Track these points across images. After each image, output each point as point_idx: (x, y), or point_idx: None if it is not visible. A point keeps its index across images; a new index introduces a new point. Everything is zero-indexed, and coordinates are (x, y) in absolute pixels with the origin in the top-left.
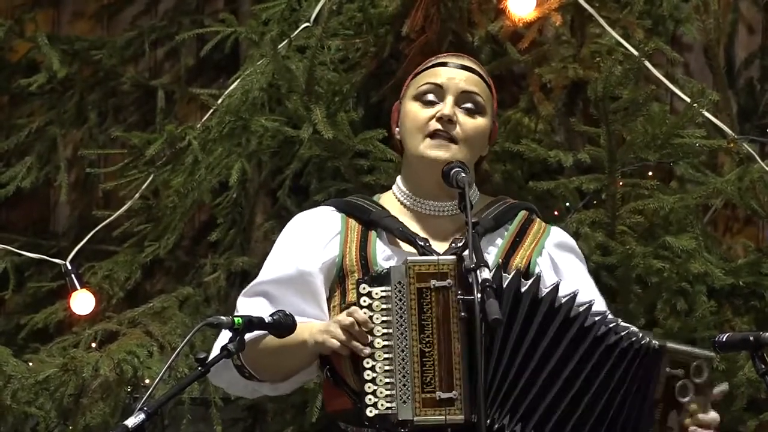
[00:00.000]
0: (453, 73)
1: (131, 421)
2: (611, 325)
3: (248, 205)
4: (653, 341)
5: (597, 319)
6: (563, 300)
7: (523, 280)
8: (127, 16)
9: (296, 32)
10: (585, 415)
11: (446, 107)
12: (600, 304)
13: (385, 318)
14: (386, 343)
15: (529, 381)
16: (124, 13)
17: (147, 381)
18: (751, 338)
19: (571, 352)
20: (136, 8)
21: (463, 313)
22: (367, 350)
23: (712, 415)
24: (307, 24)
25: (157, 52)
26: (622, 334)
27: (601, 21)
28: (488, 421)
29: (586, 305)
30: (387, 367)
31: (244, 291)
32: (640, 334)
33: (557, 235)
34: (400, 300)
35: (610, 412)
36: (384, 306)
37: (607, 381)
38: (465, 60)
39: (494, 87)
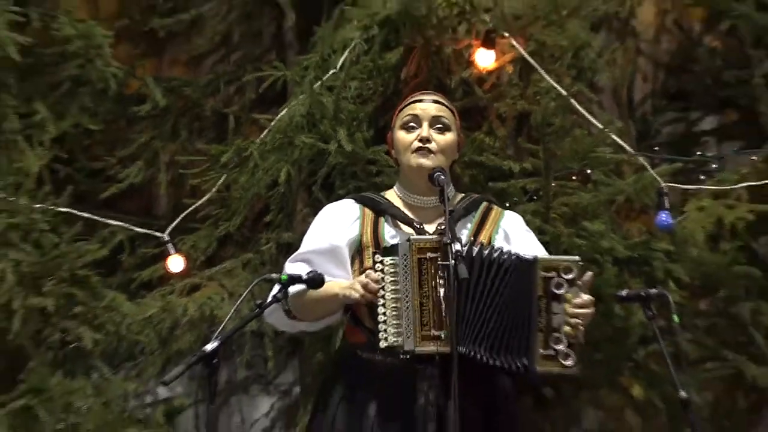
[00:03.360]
0: (425, 106)
1: (209, 347)
2: (510, 255)
3: (291, 197)
4: (529, 257)
5: (507, 258)
6: (504, 258)
7: (483, 250)
8: (209, 63)
9: (326, 76)
10: (499, 313)
11: (424, 131)
12: (542, 252)
13: (392, 279)
14: (394, 296)
15: (489, 315)
16: (206, 61)
17: (220, 319)
18: (642, 293)
19: (503, 285)
20: (214, 57)
21: (443, 275)
22: (380, 300)
23: (585, 297)
24: (334, 70)
25: (229, 88)
26: (512, 257)
27: (541, 71)
28: (464, 350)
29: (507, 251)
30: (395, 313)
31: (290, 258)
32: (523, 256)
33: (509, 216)
34: (405, 266)
35: (510, 306)
36: (392, 270)
37: (507, 289)
38: (432, 95)
39: (457, 112)
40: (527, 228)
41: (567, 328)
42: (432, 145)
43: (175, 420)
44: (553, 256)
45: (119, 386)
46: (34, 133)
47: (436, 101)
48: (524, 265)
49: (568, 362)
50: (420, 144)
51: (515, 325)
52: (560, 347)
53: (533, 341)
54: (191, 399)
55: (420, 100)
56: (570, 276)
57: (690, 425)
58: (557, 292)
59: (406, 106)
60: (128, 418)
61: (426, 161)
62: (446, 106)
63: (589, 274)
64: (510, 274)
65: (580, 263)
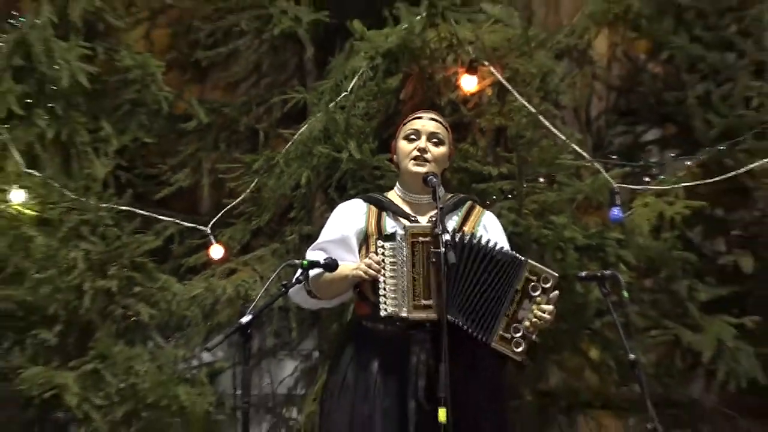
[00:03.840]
0: (424, 122)
1: (244, 320)
2: (504, 251)
3: (311, 197)
4: (522, 258)
5: (500, 250)
6: (489, 246)
7: (469, 240)
8: (243, 88)
9: (339, 98)
10: (481, 291)
11: (422, 143)
12: (506, 247)
13: (391, 260)
14: (392, 275)
15: (468, 293)
16: (241, 86)
17: (253, 297)
18: (598, 274)
19: (487, 272)
20: (247, 83)
21: (434, 258)
22: (381, 278)
23: (549, 307)
24: (345, 93)
25: (259, 108)
26: (508, 254)
27: (514, 92)
28: (450, 318)
29: (500, 246)
30: (392, 288)
31: (310, 247)
32: (516, 255)
33: (488, 215)
34: (402, 250)
35: (491, 289)
36: (391, 253)
37: (494, 276)
38: (431, 114)
39: (450, 128)
40: (501, 228)
41: (527, 323)
42: (427, 155)
43: (216, 380)
44: (540, 265)
45: (170, 353)
46: (100, 145)
47: (433, 119)
48: (515, 262)
49: (519, 349)
50: (418, 153)
51: (489, 304)
52: (517, 335)
53: (498, 322)
54: (229, 362)
55: (420, 117)
56: (547, 285)
57: (637, 381)
58: (532, 293)
59: (409, 121)
60: (178, 379)
61: (421, 168)
62: (442, 124)
63: (556, 293)
64: (499, 265)
65: (558, 279)
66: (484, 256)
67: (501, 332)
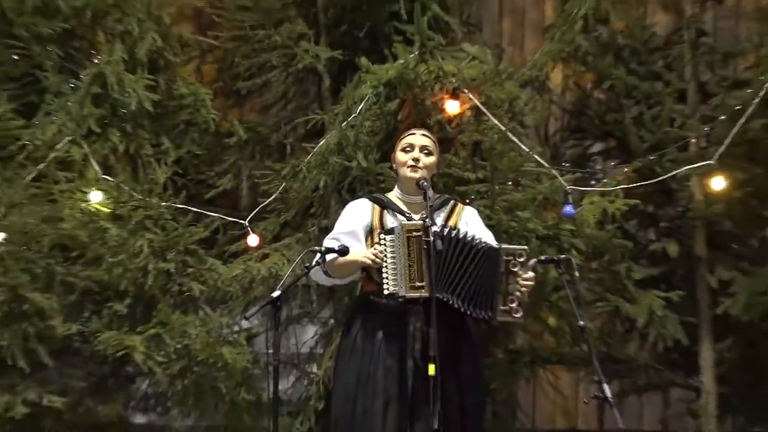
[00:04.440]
0: (417, 138)
1: (275, 294)
2: (482, 243)
3: (327, 197)
4: (497, 245)
5: (479, 242)
6: (469, 238)
7: (452, 232)
8: (274, 111)
9: (350, 118)
10: (473, 281)
11: (415, 154)
12: (489, 238)
13: (391, 250)
14: (392, 261)
15: (453, 272)
16: (272, 109)
17: (282, 276)
18: (555, 258)
19: (469, 258)
20: (277, 107)
21: (425, 247)
22: (384, 264)
23: (530, 274)
24: (354, 114)
25: (286, 127)
26: (484, 245)
27: (488, 114)
28: (440, 296)
29: (479, 238)
30: (393, 272)
31: (326, 237)
32: (493, 244)
33: (468, 209)
34: (399, 241)
35: (480, 276)
36: (391, 244)
37: (480, 264)
38: (422, 131)
39: (437, 142)
40: (479, 218)
41: (518, 293)
42: (420, 164)
43: (252, 341)
44: (511, 246)
45: (216, 320)
46: (161, 156)
47: (425, 135)
48: (493, 251)
49: (518, 315)
50: (412, 163)
51: (484, 289)
52: (513, 305)
53: (496, 301)
54: (263, 328)
55: (414, 134)
56: (522, 259)
57: (585, 342)
58: (513, 269)
59: (405, 136)
60: (222, 341)
61: (415, 174)
62: (431, 139)
63: (532, 260)
64: (481, 254)
65: (528, 251)
66: (464, 245)
67: (501, 307)
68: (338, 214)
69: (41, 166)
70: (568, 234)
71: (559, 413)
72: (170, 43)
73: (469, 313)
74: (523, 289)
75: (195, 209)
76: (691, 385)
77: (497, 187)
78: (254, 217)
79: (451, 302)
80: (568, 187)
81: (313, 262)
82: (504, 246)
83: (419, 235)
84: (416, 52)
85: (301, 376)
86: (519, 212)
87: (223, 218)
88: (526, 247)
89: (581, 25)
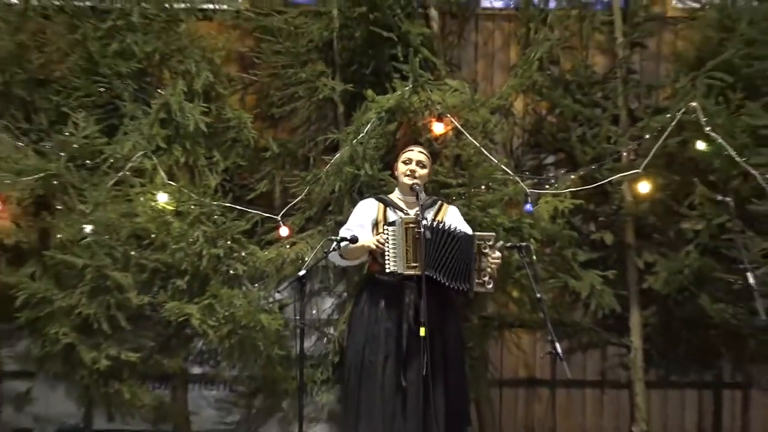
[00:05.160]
0: (415, 154)
1: (301, 273)
2: (460, 232)
3: (341, 198)
4: (471, 233)
5: (458, 232)
6: (451, 229)
7: (439, 225)
8: (300, 131)
9: (359, 137)
10: (454, 261)
11: (412, 166)
12: (467, 229)
13: (393, 238)
14: (393, 246)
15: (439, 256)
16: (298, 130)
17: (306, 259)
18: (518, 245)
19: (451, 244)
20: (303, 128)
21: (418, 236)
22: (386, 249)
23: (497, 254)
24: (362, 134)
25: (310, 144)
26: (462, 233)
27: (466, 134)
28: (429, 274)
29: (458, 229)
30: (393, 255)
31: (341, 228)
32: (468, 233)
33: (452, 208)
34: (399, 231)
35: (460, 257)
36: (393, 234)
37: (459, 249)
38: (419, 147)
39: (431, 157)
40: (459, 214)
41: (488, 269)
42: (416, 174)
43: (283, 310)
44: (482, 233)
45: (255, 293)
46: (212, 166)
47: (421, 152)
48: (468, 237)
49: (489, 286)
50: (409, 172)
51: (462, 268)
52: (485, 278)
53: (472, 276)
54: (291, 299)
55: (413, 150)
56: (490, 243)
57: (541, 311)
58: (484, 251)
59: (406, 151)
60: (260, 309)
61: (411, 181)
62: (426, 155)
63: (500, 242)
64: (459, 241)
65: (496, 236)
66: (448, 234)
67: (476, 281)
68: (350, 211)
69: (120, 173)
70: (528, 226)
71: (521, 366)
72: (220, 78)
73: (451, 286)
74: (492, 265)
75: (239, 207)
76: (623, 343)
77: (473, 190)
78: (285, 214)
79: (437, 278)
80: (528, 190)
81: (331, 248)
82: (477, 233)
83: (414, 227)
84: (410, 86)
85: (321, 336)
86: (490, 210)
87: (260, 214)
88: (494, 233)
89: (537, 65)
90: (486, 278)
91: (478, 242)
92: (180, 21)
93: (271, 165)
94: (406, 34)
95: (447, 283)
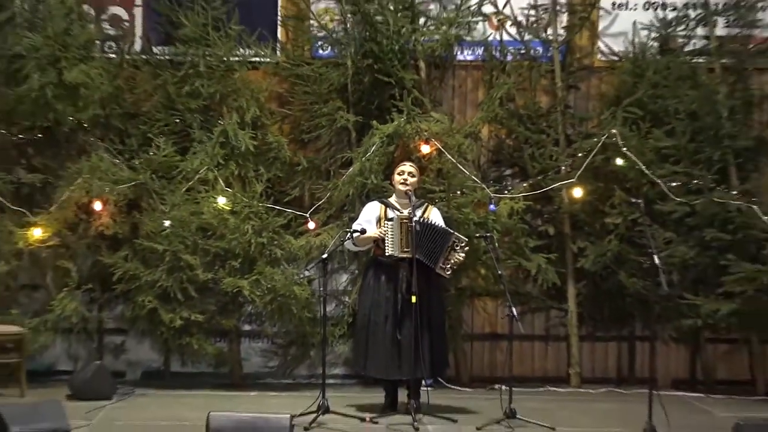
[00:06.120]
0: (407, 167)
1: (324, 255)
2: (441, 228)
3: (354, 201)
4: (448, 230)
5: (438, 227)
6: (434, 225)
7: (425, 221)
8: (323, 151)
9: (366, 155)
10: (432, 246)
11: (405, 176)
12: (443, 224)
13: (391, 230)
14: (391, 237)
15: (423, 242)
16: (322, 150)
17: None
18: (484, 234)
19: (433, 237)
20: (325, 150)
21: (410, 229)
22: (387, 238)
23: (462, 254)
24: (369, 153)
25: (330, 160)
26: (442, 229)
27: (446, 153)
28: (416, 257)
29: (439, 225)
30: (391, 243)
31: (354, 223)
32: (446, 229)
33: (435, 210)
34: (396, 225)
35: (436, 245)
36: (391, 227)
37: (437, 239)
38: (410, 162)
39: (419, 169)
40: (440, 214)
41: (452, 261)
42: (408, 182)
43: (311, 283)
44: (460, 236)
45: (290, 271)
46: (259, 177)
47: (411, 165)
48: (447, 233)
49: (448, 274)
50: (403, 181)
51: (436, 252)
52: (447, 266)
53: (439, 260)
54: (317, 276)
55: (405, 164)
56: (462, 244)
57: (502, 284)
58: (455, 248)
59: (399, 165)
60: (293, 283)
61: (404, 187)
62: (415, 167)
63: (467, 248)
64: (440, 235)
65: (467, 240)
66: (432, 229)
67: (441, 264)
68: (360, 211)
69: (190, 183)
70: (491, 221)
71: (486, 324)
72: (264, 112)
73: (424, 261)
74: (455, 260)
75: (278, 207)
76: (562, 308)
77: (451, 195)
78: (312, 212)
79: (423, 260)
80: (492, 195)
81: (346, 238)
82: (456, 234)
83: (407, 222)
84: (405, 118)
85: (338, 303)
86: (464, 209)
87: (294, 212)
88: (467, 239)
89: (499, 102)
90: (447, 266)
91: (454, 240)
92: (235, 70)
93: (302, 176)
94: (402, 80)
95: (422, 260)
